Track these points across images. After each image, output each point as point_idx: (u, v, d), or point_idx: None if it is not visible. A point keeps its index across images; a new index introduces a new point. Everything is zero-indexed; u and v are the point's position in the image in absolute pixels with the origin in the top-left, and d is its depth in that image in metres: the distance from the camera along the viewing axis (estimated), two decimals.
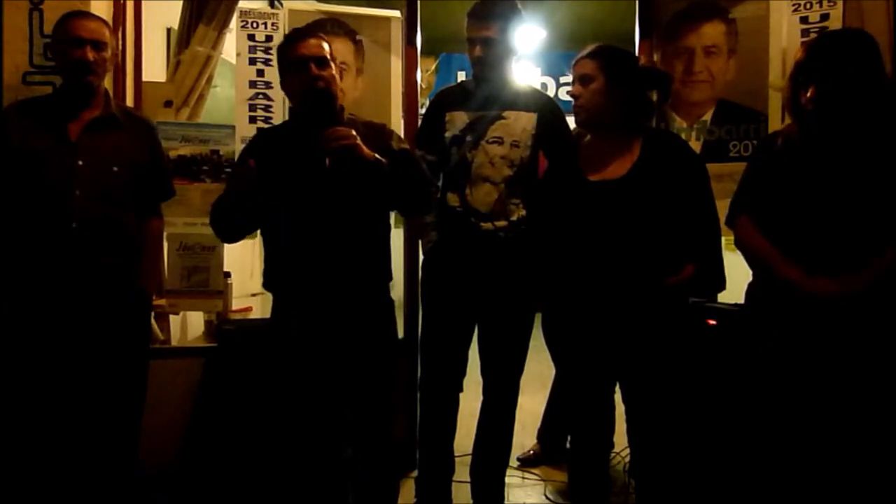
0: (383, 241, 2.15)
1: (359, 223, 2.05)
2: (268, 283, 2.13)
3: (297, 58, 1.99)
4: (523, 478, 3.02)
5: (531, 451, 3.17)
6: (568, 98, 2.29)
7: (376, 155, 1.94)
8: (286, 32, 2.17)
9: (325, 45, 2.03)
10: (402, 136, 2.67)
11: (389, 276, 2.18)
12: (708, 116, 2.91)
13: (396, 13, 3.01)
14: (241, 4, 2.92)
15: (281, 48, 2.06)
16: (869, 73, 1.86)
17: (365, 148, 1.92)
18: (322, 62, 2.00)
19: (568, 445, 2.41)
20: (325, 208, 2.00)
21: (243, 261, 3.47)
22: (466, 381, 2.50)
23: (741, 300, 2.15)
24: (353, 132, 1.92)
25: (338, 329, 2.04)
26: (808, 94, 1.88)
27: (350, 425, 2.13)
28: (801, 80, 1.91)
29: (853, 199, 1.86)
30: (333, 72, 2.03)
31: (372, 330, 2.09)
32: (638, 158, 2.11)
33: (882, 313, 1.85)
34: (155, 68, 3.04)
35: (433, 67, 5.97)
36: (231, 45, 2.98)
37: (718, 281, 2.22)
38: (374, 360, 2.09)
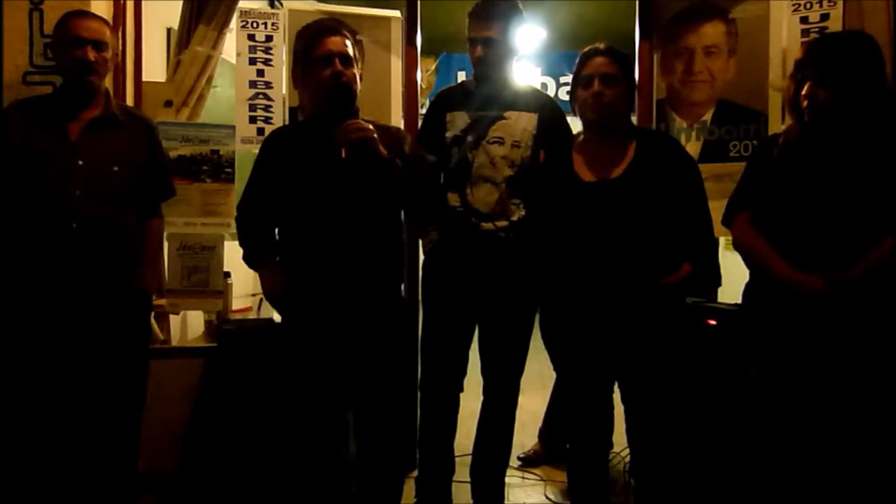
0: (396, 241, 2.16)
1: (372, 220, 2.06)
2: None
3: (322, 53, 2.00)
4: (523, 478, 3.02)
5: (532, 451, 3.17)
6: (567, 98, 2.30)
7: (388, 155, 1.96)
8: (307, 26, 2.16)
9: (349, 44, 2.04)
10: None
11: (402, 276, 2.19)
12: (708, 116, 2.91)
13: (396, 13, 3.02)
14: (241, 4, 2.92)
15: (307, 45, 2.06)
16: (867, 73, 1.87)
17: (380, 144, 1.93)
18: (347, 60, 2.01)
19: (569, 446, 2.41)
20: (340, 200, 2.01)
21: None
22: (466, 381, 2.50)
23: (741, 300, 2.15)
24: (371, 126, 1.93)
25: (350, 324, 2.05)
26: (804, 91, 1.89)
27: (355, 424, 2.14)
28: (801, 77, 1.92)
29: (850, 198, 1.86)
30: (355, 71, 2.03)
31: (383, 327, 2.10)
32: (633, 159, 2.13)
33: (876, 310, 1.86)
34: (155, 68, 3.04)
35: (433, 67, 5.96)
36: (231, 45, 2.97)
37: (714, 279, 2.23)
38: (385, 358, 2.10)
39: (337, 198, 2.01)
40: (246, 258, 2.18)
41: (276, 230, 2.18)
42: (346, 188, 2.01)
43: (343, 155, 1.96)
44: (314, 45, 2.02)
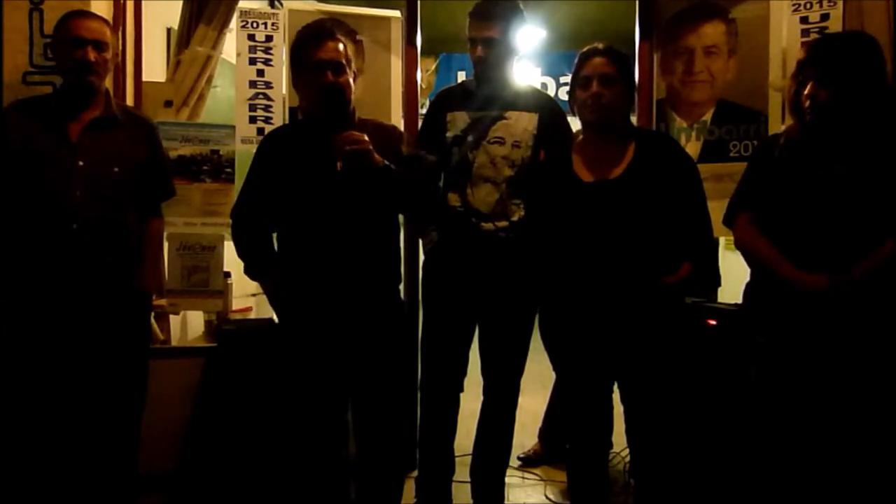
0: (393, 243, 2.16)
1: (369, 226, 2.06)
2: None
3: (314, 61, 1.99)
4: (523, 478, 3.02)
5: (532, 451, 3.17)
6: (567, 98, 2.29)
7: (385, 161, 1.95)
8: (302, 28, 2.14)
9: (342, 48, 2.03)
10: None
11: (399, 278, 2.19)
12: (708, 116, 2.91)
13: (396, 13, 3.01)
14: (241, 4, 2.92)
15: (298, 48, 2.05)
16: (867, 73, 1.87)
17: (375, 154, 1.93)
18: (339, 68, 2.00)
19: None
20: (336, 211, 2.01)
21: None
22: (466, 381, 2.51)
23: (741, 300, 2.15)
24: (366, 137, 1.93)
25: (348, 329, 2.05)
26: (806, 91, 1.89)
27: (354, 424, 2.14)
28: (802, 78, 1.92)
29: (850, 198, 1.86)
30: (349, 77, 2.03)
31: (382, 330, 2.10)
32: (632, 159, 2.13)
33: (877, 311, 1.86)
34: (155, 68, 3.04)
35: (433, 67, 5.96)
36: (231, 45, 2.97)
37: (714, 280, 2.23)
38: (385, 360, 2.10)
39: (334, 206, 2.01)
40: (247, 270, 2.13)
41: (274, 235, 2.17)
42: (342, 197, 2.00)
43: (339, 167, 1.96)
44: (307, 50, 2.01)
